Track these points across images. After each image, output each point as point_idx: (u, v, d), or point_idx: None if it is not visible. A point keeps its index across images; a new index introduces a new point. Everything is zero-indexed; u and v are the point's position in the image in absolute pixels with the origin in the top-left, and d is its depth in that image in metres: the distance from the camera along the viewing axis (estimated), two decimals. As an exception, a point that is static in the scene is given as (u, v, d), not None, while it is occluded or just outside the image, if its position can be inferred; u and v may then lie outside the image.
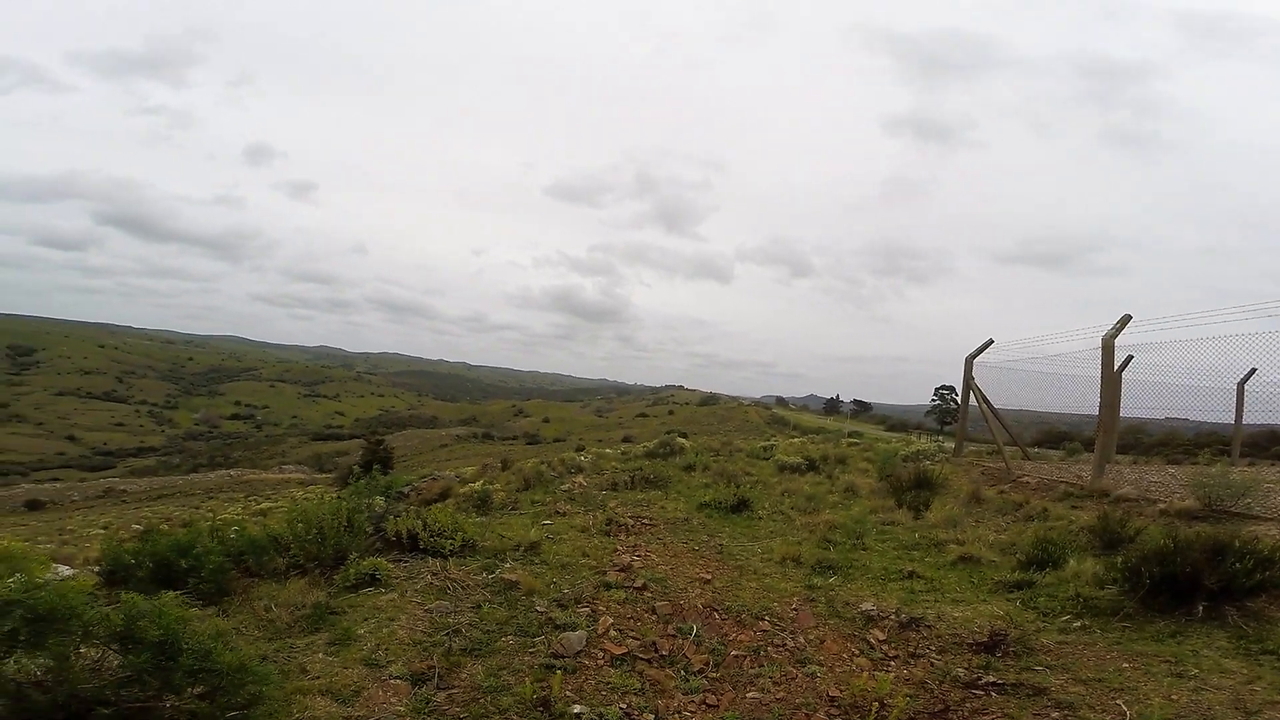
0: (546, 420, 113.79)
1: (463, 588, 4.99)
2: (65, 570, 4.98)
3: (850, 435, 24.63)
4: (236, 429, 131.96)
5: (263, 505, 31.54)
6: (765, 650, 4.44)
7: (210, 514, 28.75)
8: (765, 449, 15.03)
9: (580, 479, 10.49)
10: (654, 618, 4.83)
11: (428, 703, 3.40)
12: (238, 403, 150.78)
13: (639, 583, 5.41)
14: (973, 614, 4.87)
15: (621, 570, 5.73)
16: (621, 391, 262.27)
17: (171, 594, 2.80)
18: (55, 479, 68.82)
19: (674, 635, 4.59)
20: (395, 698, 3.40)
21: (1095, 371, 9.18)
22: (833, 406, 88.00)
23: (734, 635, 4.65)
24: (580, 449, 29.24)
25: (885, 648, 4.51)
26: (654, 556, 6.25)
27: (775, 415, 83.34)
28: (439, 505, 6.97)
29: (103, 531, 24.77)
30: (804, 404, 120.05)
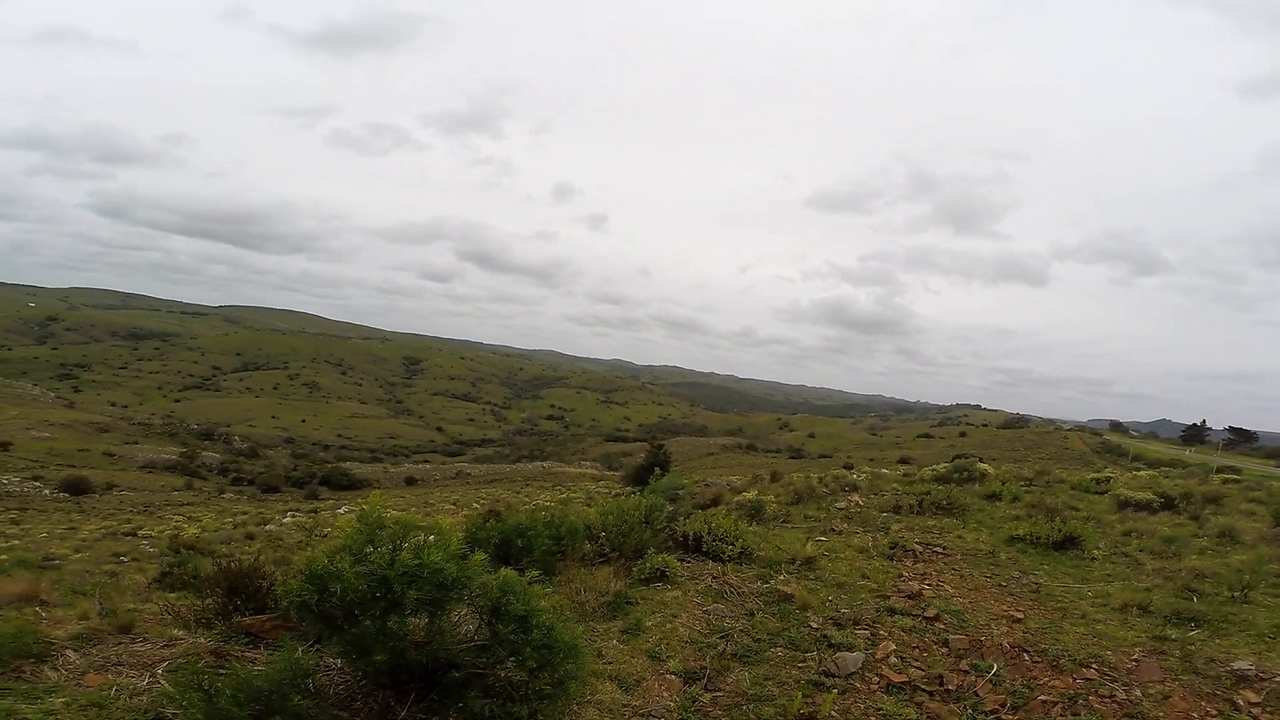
0: (812, 435, 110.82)
1: (738, 594, 5.19)
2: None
3: (1223, 471, 19.00)
4: (550, 428, 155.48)
5: (565, 495, 36.58)
6: (1085, 699, 3.78)
7: (528, 498, 34.32)
8: (1098, 481, 13.06)
9: (856, 498, 10.02)
10: (944, 650, 4.45)
11: (694, 701, 3.60)
12: (553, 406, 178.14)
13: (930, 612, 5.05)
14: None
15: (909, 597, 5.41)
16: (900, 409, 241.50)
17: (532, 572, 3.12)
18: (426, 461, 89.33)
19: (966, 671, 4.15)
20: (668, 692, 3.67)
21: None
22: (1195, 435, 68.84)
23: (1045, 680, 4.05)
24: (849, 466, 27.76)
25: (1256, 710, 3.58)
26: (949, 587, 5.79)
27: (1107, 443, 68.72)
28: (716, 511, 7.32)
29: (452, 506, 31.27)
30: (1151, 430, 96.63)
